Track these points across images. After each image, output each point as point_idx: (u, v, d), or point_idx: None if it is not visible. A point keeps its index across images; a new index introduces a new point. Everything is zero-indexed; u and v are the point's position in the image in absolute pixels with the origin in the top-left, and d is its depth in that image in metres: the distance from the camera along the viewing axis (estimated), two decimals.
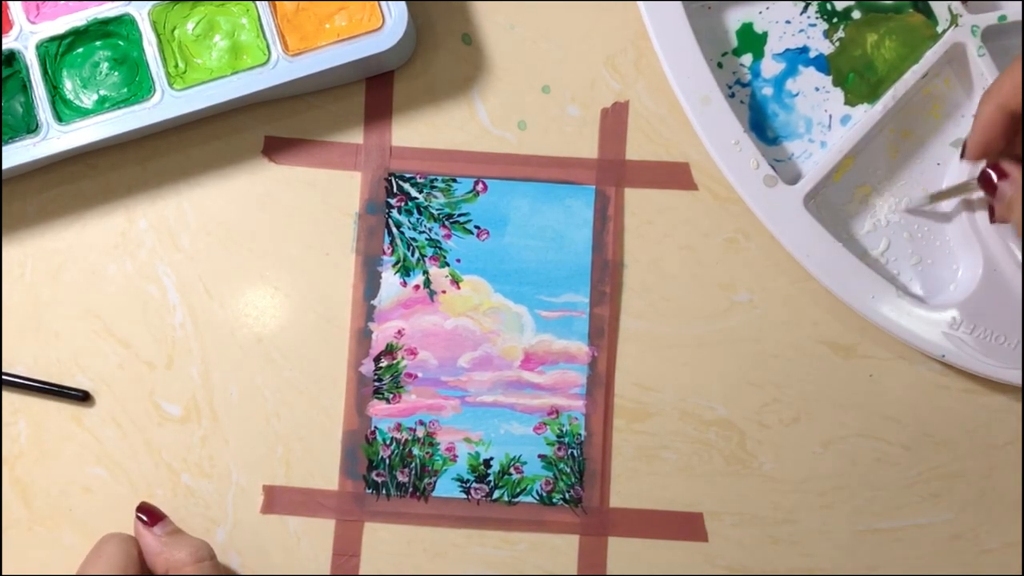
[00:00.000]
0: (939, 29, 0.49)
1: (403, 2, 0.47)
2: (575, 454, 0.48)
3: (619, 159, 0.49)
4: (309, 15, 0.47)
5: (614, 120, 0.50)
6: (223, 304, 0.49)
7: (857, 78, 0.49)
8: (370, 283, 0.49)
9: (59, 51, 0.47)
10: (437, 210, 0.49)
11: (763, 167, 0.47)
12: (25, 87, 0.47)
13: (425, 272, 0.49)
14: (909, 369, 0.49)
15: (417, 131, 0.50)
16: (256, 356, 0.49)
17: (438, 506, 0.48)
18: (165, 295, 0.49)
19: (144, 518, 0.46)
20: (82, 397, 0.48)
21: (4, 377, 0.48)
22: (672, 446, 0.48)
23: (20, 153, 0.46)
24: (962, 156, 0.46)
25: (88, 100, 0.47)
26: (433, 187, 0.49)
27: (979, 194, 0.46)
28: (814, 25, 0.50)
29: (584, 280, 0.49)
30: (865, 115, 0.48)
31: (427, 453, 0.48)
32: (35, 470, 0.48)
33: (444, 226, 0.49)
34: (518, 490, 0.48)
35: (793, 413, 0.49)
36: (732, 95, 0.50)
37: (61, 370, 0.49)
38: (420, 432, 0.48)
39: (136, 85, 0.47)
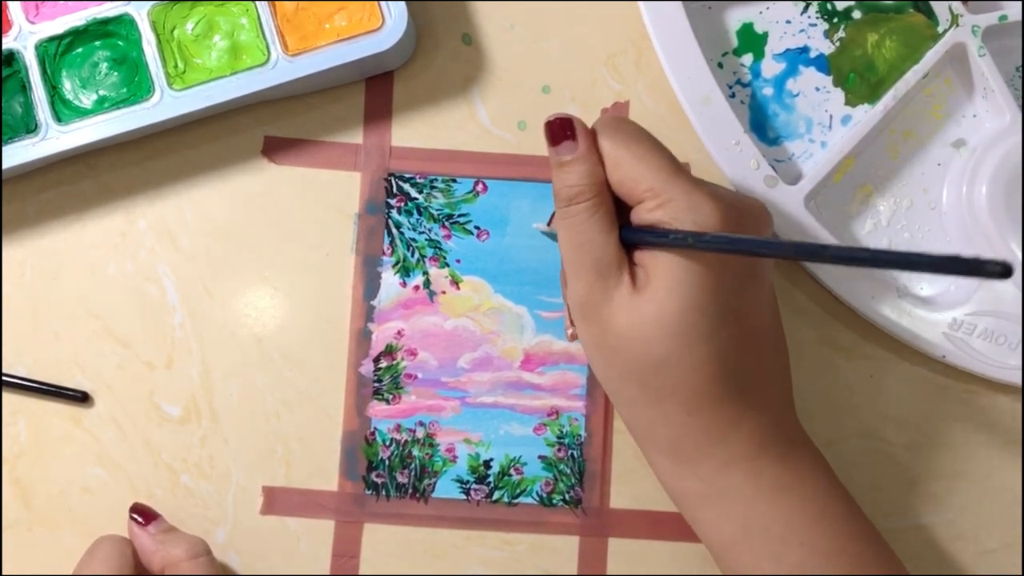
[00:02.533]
0: (940, 29, 0.49)
1: (403, 2, 0.47)
2: (575, 455, 0.48)
3: None
4: (309, 15, 0.47)
5: None
6: (223, 304, 0.49)
7: (858, 78, 0.49)
8: (370, 283, 0.49)
9: (58, 51, 0.47)
10: (437, 210, 0.49)
11: (763, 167, 0.47)
12: (24, 87, 0.47)
13: (425, 273, 0.49)
14: (909, 369, 0.49)
15: (417, 131, 0.50)
16: (256, 356, 0.49)
17: (438, 507, 0.48)
18: (165, 295, 0.49)
19: (138, 518, 0.46)
20: (82, 398, 0.48)
21: (4, 377, 0.48)
22: None
23: (19, 153, 0.46)
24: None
25: (87, 100, 0.47)
26: (433, 187, 0.49)
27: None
28: (815, 25, 0.50)
29: None
30: (866, 115, 0.48)
31: (427, 454, 0.48)
32: (35, 470, 0.48)
33: (444, 226, 0.49)
34: (518, 491, 0.48)
35: None
36: (732, 95, 0.49)
37: (61, 370, 0.48)
38: (420, 433, 0.48)
39: (135, 85, 0.47)
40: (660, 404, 0.39)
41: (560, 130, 0.40)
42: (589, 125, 0.40)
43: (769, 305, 0.41)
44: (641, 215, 0.39)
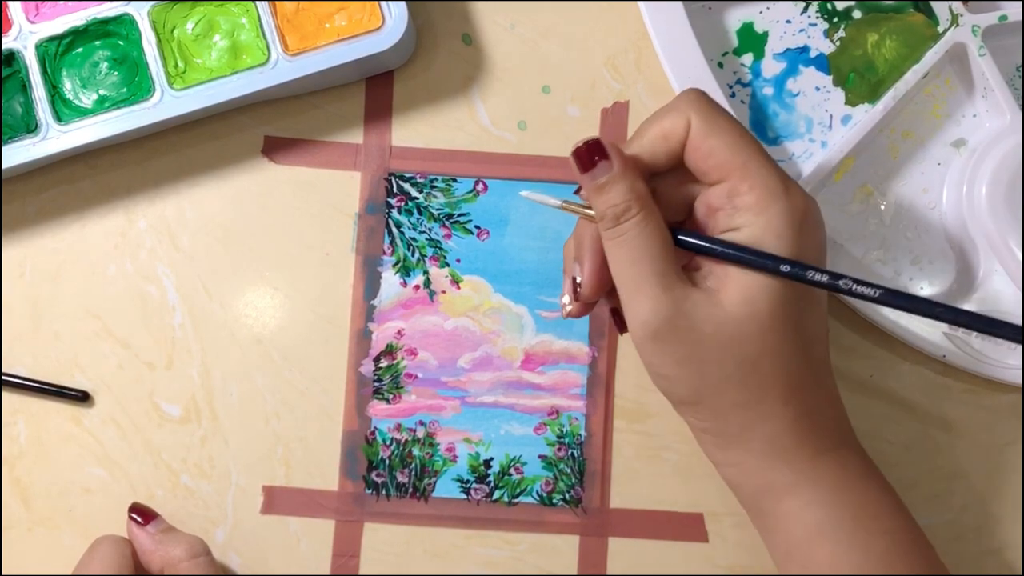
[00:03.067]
0: (940, 29, 0.49)
1: (403, 2, 0.47)
2: (575, 454, 0.48)
3: None
4: (309, 15, 0.47)
5: (614, 120, 0.50)
6: (223, 304, 0.49)
7: (858, 78, 0.49)
8: (370, 283, 0.49)
9: (58, 51, 0.47)
10: (437, 210, 0.49)
11: None
12: (24, 87, 0.47)
13: (425, 272, 0.49)
14: (909, 369, 0.49)
15: (417, 131, 0.50)
16: (256, 356, 0.49)
17: (438, 506, 0.48)
18: (165, 295, 0.49)
19: (137, 518, 0.46)
20: (82, 397, 0.48)
21: (4, 377, 0.48)
22: (672, 446, 0.48)
23: (19, 153, 0.46)
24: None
25: (87, 100, 0.47)
26: (433, 187, 0.49)
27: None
28: (815, 25, 0.50)
29: None
30: (866, 115, 0.48)
31: (427, 454, 0.48)
32: (35, 470, 0.48)
33: (444, 226, 0.49)
34: (518, 491, 0.48)
35: None
36: (733, 95, 0.50)
37: (61, 370, 0.48)
38: (420, 432, 0.48)
39: (136, 85, 0.47)
40: (761, 403, 0.38)
41: (588, 154, 0.39)
42: (593, 129, 0.40)
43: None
44: (717, 199, 0.38)
